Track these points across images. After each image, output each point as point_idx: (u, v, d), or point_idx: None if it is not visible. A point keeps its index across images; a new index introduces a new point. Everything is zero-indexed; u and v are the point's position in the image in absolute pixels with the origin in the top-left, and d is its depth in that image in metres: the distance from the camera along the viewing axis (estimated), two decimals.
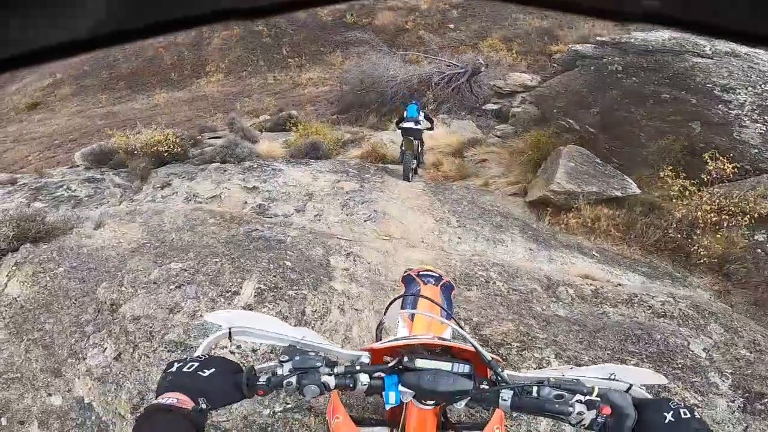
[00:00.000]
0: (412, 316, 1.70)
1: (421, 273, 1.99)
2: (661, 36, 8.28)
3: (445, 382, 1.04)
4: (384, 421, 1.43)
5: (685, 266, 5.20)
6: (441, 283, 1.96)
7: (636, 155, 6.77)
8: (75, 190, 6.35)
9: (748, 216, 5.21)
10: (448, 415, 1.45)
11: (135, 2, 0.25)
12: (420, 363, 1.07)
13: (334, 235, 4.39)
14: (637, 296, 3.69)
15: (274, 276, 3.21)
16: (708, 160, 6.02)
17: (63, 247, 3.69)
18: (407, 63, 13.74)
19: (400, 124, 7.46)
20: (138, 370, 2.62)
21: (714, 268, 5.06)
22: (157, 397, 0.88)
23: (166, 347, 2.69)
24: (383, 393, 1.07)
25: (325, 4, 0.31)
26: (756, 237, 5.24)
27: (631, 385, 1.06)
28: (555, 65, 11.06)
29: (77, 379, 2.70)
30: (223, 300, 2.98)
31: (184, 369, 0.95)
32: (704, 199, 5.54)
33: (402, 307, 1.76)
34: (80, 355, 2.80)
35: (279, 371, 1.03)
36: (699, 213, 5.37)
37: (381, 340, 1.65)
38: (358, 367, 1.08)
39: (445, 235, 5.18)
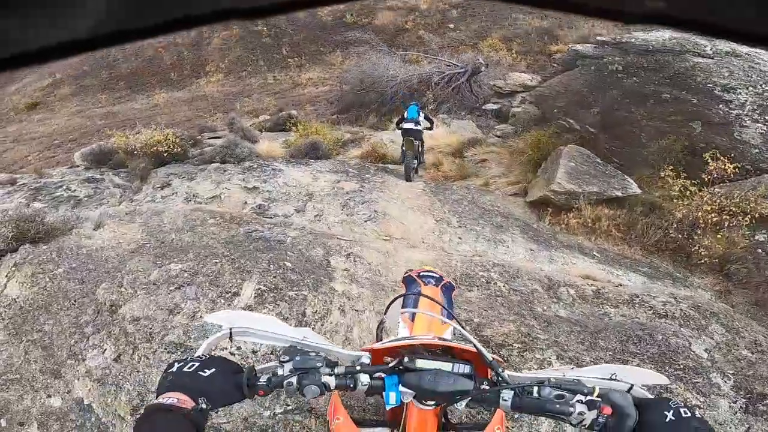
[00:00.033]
0: (413, 317, 1.70)
1: (421, 274, 1.98)
2: (662, 36, 8.28)
3: (445, 383, 1.05)
4: (384, 421, 1.42)
5: (686, 266, 5.20)
6: (441, 283, 1.96)
7: (636, 155, 6.76)
8: (74, 190, 6.33)
9: (749, 216, 5.20)
10: (449, 416, 1.45)
11: (135, 2, 0.25)
12: (420, 363, 1.07)
13: (335, 235, 4.38)
14: (638, 297, 3.68)
15: (275, 277, 3.20)
16: (709, 160, 6.01)
17: (62, 247, 3.68)
18: (407, 63, 13.72)
19: (401, 125, 7.47)
20: (138, 371, 2.61)
21: (715, 268, 5.06)
22: (157, 397, 0.89)
23: (165, 348, 2.68)
24: (384, 393, 1.07)
25: (325, 5, 0.31)
26: (757, 237, 5.24)
27: (632, 386, 1.07)
28: (555, 65, 11.05)
29: (77, 380, 2.69)
30: (223, 301, 2.97)
31: (185, 369, 0.95)
32: (705, 199, 5.53)
33: (403, 307, 1.76)
34: (80, 357, 2.79)
35: (279, 371, 1.03)
36: (700, 213, 5.36)
37: (381, 339, 1.65)
38: (358, 368, 1.08)
39: (446, 235, 5.17)
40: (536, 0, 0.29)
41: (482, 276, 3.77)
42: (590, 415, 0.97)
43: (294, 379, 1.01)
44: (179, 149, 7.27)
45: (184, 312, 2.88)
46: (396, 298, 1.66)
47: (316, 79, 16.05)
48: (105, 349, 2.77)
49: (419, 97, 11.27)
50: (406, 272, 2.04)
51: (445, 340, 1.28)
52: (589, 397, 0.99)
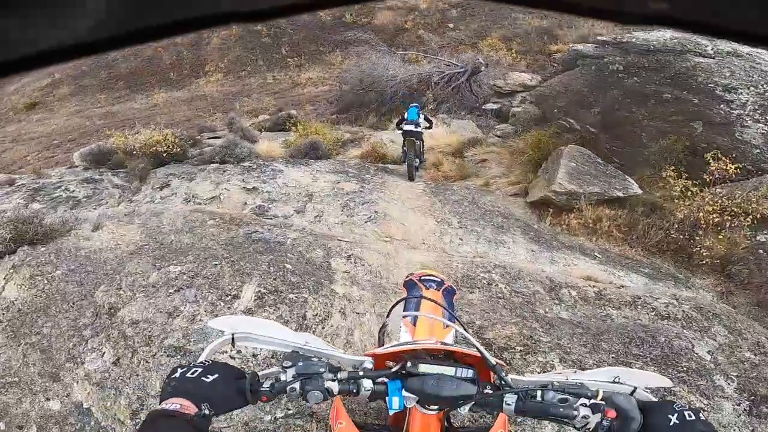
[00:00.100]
0: (414, 320, 1.69)
1: (422, 278, 1.98)
2: (663, 36, 8.26)
3: (448, 387, 1.05)
4: (387, 426, 1.42)
5: (688, 267, 5.18)
6: (443, 287, 1.95)
7: (637, 155, 6.75)
8: (73, 190, 6.31)
9: (751, 217, 5.19)
10: (452, 420, 1.44)
11: (135, 3, 0.25)
12: (423, 368, 1.07)
13: (335, 236, 4.36)
14: (640, 298, 3.66)
15: (275, 279, 3.18)
16: (710, 161, 6.00)
17: (61, 249, 3.66)
18: (407, 62, 13.70)
19: (401, 126, 7.51)
20: (137, 375, 2.58)
21: (716, 269, 5.04)
22: (160, 403, 0.89)
23: (165, 352, 2.65)
24: (387, 398, 1.07)
25: (325, 8, 0.30)
26: (758, 238, 5.23)
27: (636, 388, 1.07)
28: (555, 65, 11.05)
29: (76, 383, 2.67)
30: (222, 304, 2.95)
31: (188, 375, 0.95)
32: (706, 199, 5.52)
33: (404, 311, 1.75)
34: (78, 360, 2.76)
35: (282, 377, 1.03)
36: (701, 214, 5.34)
37: (384, 343, 1.65)
38: (361, 373, 1.09)
39: (447, 236, 5.15)
40: (537, 1, 0.29)
41: (483, 278, 3.75)
42: (594, 419, 0.98)
43: (297, 385, 1.01)
44: (178, 149, 7.25)
45: (183, 315, 2.85)
46: (398, 302, 1.66)
47: (315, 79, 16.02)
48: (104, 353, 2.75)
49: (419, 96, 11.25)
50: (408, 276, 2.03)
51: (447, 344, 1.28)
52: (592, 401, 0.99)
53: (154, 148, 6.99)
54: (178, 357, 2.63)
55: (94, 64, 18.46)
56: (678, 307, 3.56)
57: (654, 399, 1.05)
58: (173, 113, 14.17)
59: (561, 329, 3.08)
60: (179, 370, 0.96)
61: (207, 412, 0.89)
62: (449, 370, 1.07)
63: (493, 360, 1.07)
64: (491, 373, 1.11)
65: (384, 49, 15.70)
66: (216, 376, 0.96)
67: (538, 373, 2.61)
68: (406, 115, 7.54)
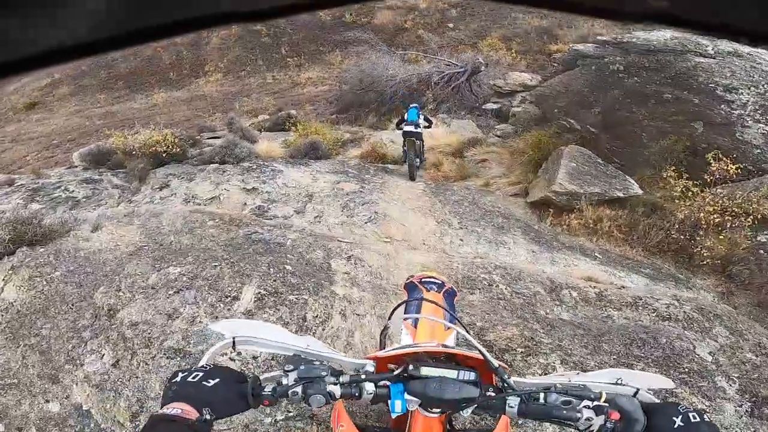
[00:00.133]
0: (416, 323, 1.69)
1: (423, 280, 1.97)
2: (663, 36, 8.26)
3: (451, 390, 1.05)
4: (388, 428, 1.42)
5: (688, 268, 5.17)
6: (444, 289, 1.95)
7: (638, 155, 6.73)
8: (73, 191, 6.30)
9: (752, 217, 5.18)
10: (453, 422, 1.44)
11: (135, 3, 0.25)
12: (425, 371, 1.08)
13: (335, 237, 4.35)
14: (641, 299, 3.65)
15: (275, 281, 3.17)
16: (711, 161, 5.98)
17: (60, 250, 3.65)
18: (406, 62, 13.68)
19: (401, 126, 7.53)
20: (137, 377, 2.57)
21: (717, 269, 5.03)
22: (161, 407, 0.88)
23: (165, 354, 2.64)
24: (389, 401, 1.08)
25: (325, 7, 0.30)
26: (759, 238, 5.21)
27: (638, 390, 1.07)
28: (555, 65, 11.03)
29: (75, 385, 2.66)
30: (222, 305, 2.93)
31: (189, 379, 0.95)
32: (707, 200, 5.50)
33: (405, 313, 1.75)
34: (78, 362, 2.76)
35: (284, 381, 1.03)
36: (702, 214, 5.33)
37: (385, 346, 1.64)
38: (363, 376, 1.09)
39: (447, 237, 5.13)
40: (539, 0, 0.29)
41: (484, 278, 3.74)
42: (598, 421, 0.98)
43: (299, 389, 1.01)
44: (178, 149, 7.23)
45: (183, 317, 2.84)
46: (399, 305, 1.65)
47: (315, 79, 16.00)
48: (103, 354, 2.74)
49: (419, 96, 11.23)
50: (408, 278, 2.03)
51: (449, 347, 1.28)
52: (596, 403, 0.99)
53: (154, 148, 6.98)
54: (178, 359, 2.62)
55: (94, 64, 18.43)
56: (679, 308, 3.55)
57: (657, 400, 1.05)
58: (173, 113, 14.16)
59: (562, 330, 3.07)
60: (180, 375, 0.96)
61: (208, 416, 0.89)
62: (451, 373, 1.07)
63: (495, 362, 1.07)
64: (493, 376, 1.11)
65: (384, 49, 15.69)
66: (217, 380, 0.95)
67: (540, 375, 2.60)
68: (405, 116, 7.55)
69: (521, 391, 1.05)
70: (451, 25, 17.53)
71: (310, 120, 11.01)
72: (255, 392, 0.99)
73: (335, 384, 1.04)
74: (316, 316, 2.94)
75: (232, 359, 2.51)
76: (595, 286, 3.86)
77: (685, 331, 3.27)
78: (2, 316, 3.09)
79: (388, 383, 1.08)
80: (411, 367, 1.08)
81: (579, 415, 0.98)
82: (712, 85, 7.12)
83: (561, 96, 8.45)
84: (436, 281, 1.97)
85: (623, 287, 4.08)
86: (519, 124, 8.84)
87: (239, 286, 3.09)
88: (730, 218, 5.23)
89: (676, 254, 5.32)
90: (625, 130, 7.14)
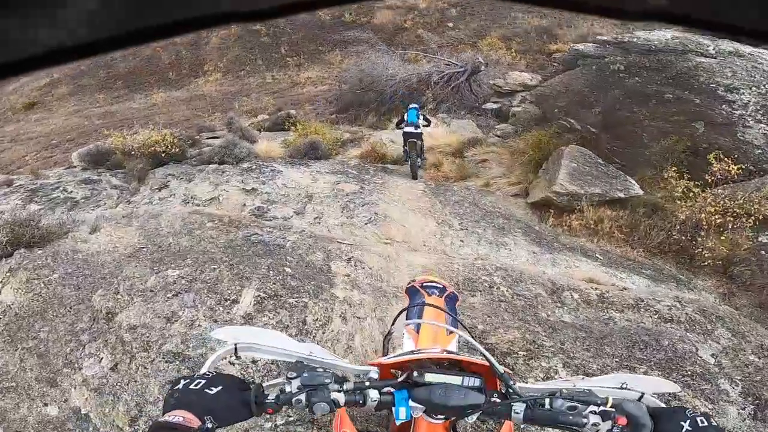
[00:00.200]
0: (418, 328, 1.68)
1: (425, 284, 1.96)
2: (664, 35, 8.24)
3: (456, 396, 1.04)
4: None
5: (689, 268, 5.15)
6: (445, 294, 1.93)
7: (638, 155, 6.71)
8: (71, 191, 6.27)
9: (753, 218, 5.16)
10: (457, 428, 1.42)
11: (135, 3, 0.25)
12: (429, 377, 1.07)
13: (335, 239, 4.33)
14: (643, 301, 3.64)
15: (274, 283, 3.14)
16: (712, 161, 5.96)
17: (58, 252, 3.62)
18: (406, 62, 13.65)
19: (401, 126, 7.54)
20: (135, 381, 2.55)
21: (718, 270, 5.01)
22: (163, 415, 0.87)
23: (163, 358, 2.62)
24: (393, 408, 1.06)
25: (325, 7, 0.30)
26: (760, 239, 5.19)
27: (643, 394, 1.06)
28: (555, 64, 11.01)
29: (73, 389, 2.65)
30: (221, 309, 2.91)
31: (191, 386, 0.94)
32: (708, 200, 5.48)
33: (407, 319, 1.73)
34: (76, 365, 2.74)
35: (287, 388, 1.02)
36: (703, 214, 5.31)
37: (388, 352, 1.63)
38: (367, 383, 1.08)
39: (447, 238, 5.11)
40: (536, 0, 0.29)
41: (485, 280, 3.72)
42: (604, 426, 0.97)
43: (303, 397, 1.00)
44: (177, 149, 7.20)
45: (181, 320, 2.82)
46: (402, 311, 1.64)
47: (315, 79, 15.97)
48: (101, 358, 2.72)
49: (418, 96, 11.21)
50: (409, 282, 2.02)
51: (453, 353, 1.27)
52: (602, 408, 0.98)
53: (153, 149, 6.95)
54: (177, 363, 2.59)
55: (93, 64, 18.39)
56: (681, 309, 3.53)
57: (662, 405, 1.05)
58: (172, 113, 14.12)
59: (564, 333, 3.05)
60: (182, 382, 0.95)
61: (210, 425, 0.88)
62: (456, 380, 1.06)
63: (501, 369, 1.07)
64: (497, 381, 1.10)
65: (383, 49, 15.66)
66: (220, 388, 0.94)
67: (542, 378, 2.59)
68: (405, 116, 7.56)
69: (527, 397, 1.04)
70: (450, 25, 17.51)
71: (310, 120, 10.98)
72: (258, 400, 0.98)
73: (339, 391, 1.03)
74: (316, 320, 2.92)
75: (231, 363, 2.49)
76: (596, 288, 3.84)
77: (688, 333, 3.25)
78: (0, 318, 3.07)
79: (392, 390, 1.07)
80: (415, 373, 1.07)
81: (585, 420, 0.97)
82: (713, 85, 7.11)
83: (561, 96, 8.44)
84: (438, 286, 1.95)
85: (625, 289, 4.06)
86: (519, 124, 8.82)
87: (238, 289, 3.07)
88: (732, 219, 5.21)
89: (677, 255, 5.30)
90: (626, 130, 7.12)
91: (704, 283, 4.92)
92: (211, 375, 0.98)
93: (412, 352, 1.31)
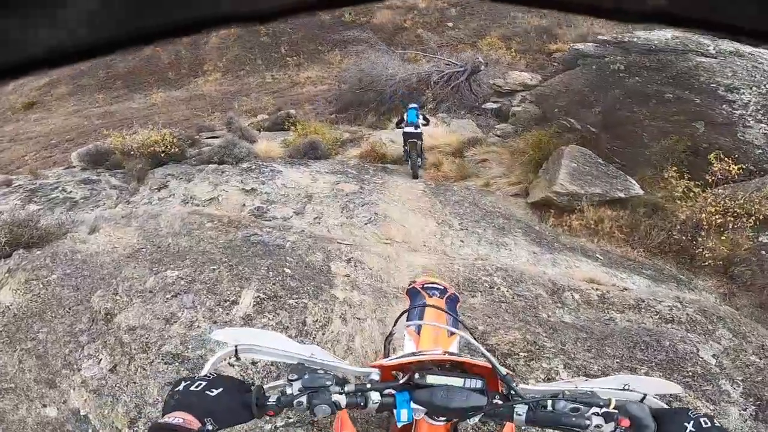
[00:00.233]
0: (419, 329, 1.67)
1: (425, 285, 1.95)
2: (664, 35, 8.23)
3: (458, 398, 1.04)
4: None
5: (690, 268, 5.14)
6: (446, 295, 1.92)
7: (639, 155, 6.70)
8: (70, 191, 6.25)
9: (753, 218, 5.15)
10: (458, 429, 1.42)
11: (135, 6, 0.25)
12: (431, 379, 1.06)
13: (335, 239, 4.32)
14: (644, 301, 3.63)
15: (274, 284, 3.13)
16: (713, 161, 5.96)
17: (57, 252, 3.61)
18: (406, 62, 13.63)
19: (401, 126, 7.55)
20: (134, 382, 2.54)
21: (719, 270, 5.00)
22: (163, 416, 0.87)
23: (162, 359, 2.61)
24: (395, 410, 1.06)
25: (325, 9, 0.30)
26: (761, 239, 5.18)
27: (645, 395, 1.06)
28: (555, 64, 11.00)
29: (72, 390, 2.64)
30: (221, 310, 2.90)
31: (192, 388, 0.93)
32: (708, 200, 5.47)
33: (408, 320, 1.73)
34: (75, 366, 2.73)
35: (288, 390, 1.01)
36: (703, 214, 5.30)
37: (389, 354, 1.62)
38: (368, 385, 1.07)
39: (447, 238, 5.10)
40: (534, 1, 0.29)
41: (485, 281, 3.71)
42: (607, 428, 0.96)
43: (304, 399, 1.00)
44: (177, 149, 7.19)
45: (181, 321, 2.81)
46: (403, 313, 1.64)
47: (314, 78, 15.95)
48: (100, 359, 2.71)
49: (418, 95, 11.19)
50: (410, 284, 2.01)
51: (454, 354, 1.27)
52: (605, 409, 0.98)
53: (152, 148, 6.94)
54: (176, 364, 2.58)
55: (93, 64, 18.36)
56: (682, 310, 3.52)
57: (665, 406, 1.04)
58: (171, 113, 14.11)
59: (565, 334, 3.04)
60: (183, 383, 0.94)
61: (210, 427, 0.87)
62: (458, 381, 1.05)
63: (503, 370, 1.06)
64: (499, 382, 1.09)
65: (383, 48, 15.64)
66: (220, 389, 0.94)
67: (543, 380, 2.58)
68: (405, 116, 7.56)
69: (529, 399, 1.03)
70: (450, 24, 17.49)
71: (310, 119, 10.96)
72: (259, 402, 0.97)
73: (340, 393, 1.03)
74: (316, 321, 2.90)
75: (231, 365, 2.48)
76: (597, 288, 3.83)
77: (689, 334, 3.24)
78: None
79: (393, 392, 1.06)
80: (416, 375, 1.07)
81: (588, 422, 0.96)
82: (714, 85, 7.10)
83: (561, 95, 8.43)
84: (439, 287, 1.94)
85: (625, 289, 4.06)
86: (519, 124, 8.81)
87: (238, 290, 3.06)
88: (732, 219, 5.20)
89: (677, 255, 5.29)
90: (626, 130, 7.11)
91: (705, 284, 4.91)
92: (212, 377, 0.97)
93: (413, 354, 1.30)
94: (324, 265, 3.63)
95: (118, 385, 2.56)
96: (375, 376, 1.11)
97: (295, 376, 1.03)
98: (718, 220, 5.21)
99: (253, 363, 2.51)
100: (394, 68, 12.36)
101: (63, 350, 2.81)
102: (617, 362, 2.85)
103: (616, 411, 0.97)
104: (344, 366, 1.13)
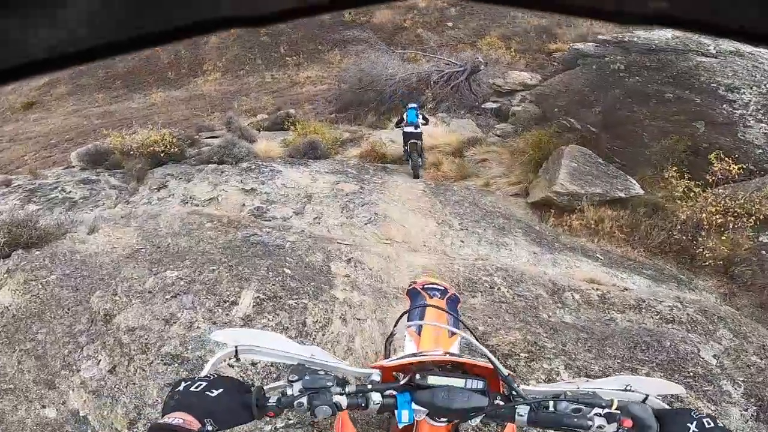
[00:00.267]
0: (419, 330, 1.67)
1: (426, 286, 1.94)
2: (665, 35, 8.22)
3: (460, 399, 1.03)
4: None
5: (690, 268, 5.14)
6: (447, 296, 1.92)
7: (639, 155, 6.70)
8: (70, 191, 6.24)
9: (754, 217, 5.15)
10: (460, 430, 1.42)
11: (135, 8, 0.25)
12: (432, 380, 1.06)
13: (334, 239, 4.31)
14: (644, 301, 3.62)
15: (273, 285, 3.12)
16: (713, 161, 5.95)
17: (56, 253, 3.60)
18: (406, 61, 13.62)
19: (401, 126, 7.54)
20: (134, 383, 2.53)
21: (719, 270, 5.00)
22: (162, 416, 0.86)
23: (162, 360, 2.60)
24: (396, 411, 1.06)
25: (326, 12, 0.30)
26: (761, 239, 5.18)
27: (647, 396, 1.06)
28: (555, 64, 10.99)
29: (71, 391, 2.63)
30: (221, 310, 2.89)
31: (192, 388, 0.93)
32: (709, 200, 5.47)
33: (408, 320, 1.72)
34: (74, 367, 2.72)
35: (289, 391, 1.01)
36: (704, 214, 5.30)
37: (390, 355, 1.62)
38: (369, 386, 1.07)
39: (447, 238, 5.09)
40: (532, 3, 0.29)
41: (486, 281, 3.70)
42: (610, 429, 0.96)
43: (304, 400, 0.99)
44: (176, 149, 7.18)
45: (180, 322, 2.80)
46: (403, 314, 1.63)
47: (314, 78, 15.93)
48: (99, 360, 2.70)
49: (418, 95, 11.19)
50: (411, 284, 2.00)
51: (455, 355, 1.26)
52: (607, 410, 0.98)
53: (152, 148, 6.93)
54: (176, 365, 2.57)
55: (92, 64, 18.35)
56: (682, 310, 3.52)
57: (667, 407, 1.04)
58: (171, 113, 14.09)
59: (565, 334, 3.03)
60: (183, 384, 0.94)
61: (210, 427, 0.87)
62: (459, 382, 1.05)
63: (505, 371, 1.05)
64: (500, 383, 1.09)
65: (383, 48, 15.63)
66: (221, 390, 0.93)
67: (544, 380, 2.57)
68: (405, 116, 7.55)
69: (531, 400, 1.03)
70: (450, 24, 17.48)
71: (309, 119, 10.94)
72: (259, 403, 0.97)
73: (341, 394, 1.02)
74: (316, 321, 2.90)
75: (231, 365, 2.48)
76: (597, 288, 3.82)
77: (689, 334, 3.24)
78: None
79: (394, 393, 1.06)
80: (417, 376, 1.06)
81: (590, 423, 0.96)
82: (714, 85, 7.10)
83: (561, 95, 8.42)
84: (439, 287, 1.94)
85: (626, 289, 4.05)
86: (519, 124, 8.80)
87: (237, 291, 3.05)
88: (732, 219, 5.20)
89: (678, 255, 5.29)
90: (626, 130, 7.11)
91: (705, 284, 4.91)
92: (212, 377, 0.97)
93: (414, 355, 1.30)
94: (324, 265, 3.63)
95: (117, 386, 2.55)
96: (376, 376, 1.11)
97: (296, 377, 1.02)
98: (719, 220, 5.22)
99: (253, 364, 2.50)
100: (393, 68, 12.34)
101: (62, 351, 2.80)
102: (618, 363, 2.84)
103: (619, 412, 0.96)
104: (345, 367, 1.13)
